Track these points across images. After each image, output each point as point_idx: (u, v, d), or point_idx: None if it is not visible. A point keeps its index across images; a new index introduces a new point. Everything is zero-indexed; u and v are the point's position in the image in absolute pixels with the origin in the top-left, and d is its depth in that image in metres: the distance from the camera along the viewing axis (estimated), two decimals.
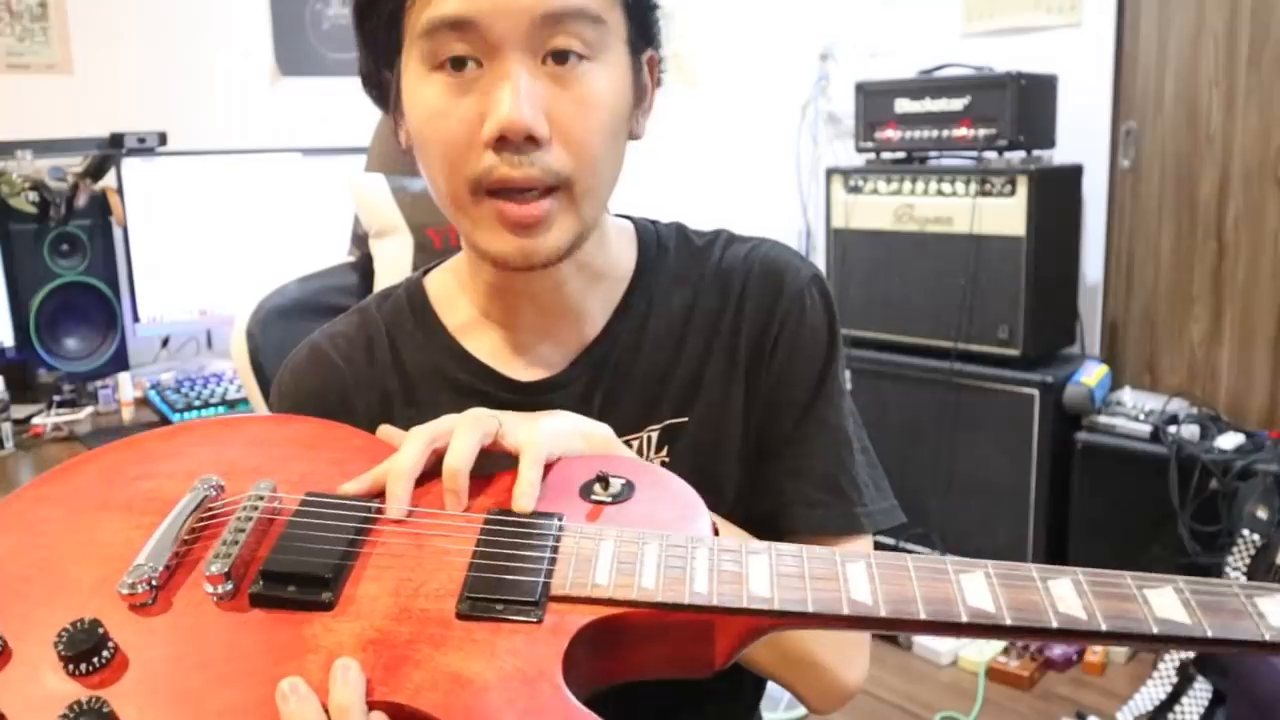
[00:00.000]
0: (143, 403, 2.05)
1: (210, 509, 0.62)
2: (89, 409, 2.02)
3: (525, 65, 0.67)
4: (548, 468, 0.65)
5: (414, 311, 0.84)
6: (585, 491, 0.63)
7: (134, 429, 1.95)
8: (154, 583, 0.56)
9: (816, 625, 0.55)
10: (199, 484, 0.63)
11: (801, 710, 2.24)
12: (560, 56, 0.68)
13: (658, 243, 0.85)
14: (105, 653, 0.52)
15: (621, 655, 0.57)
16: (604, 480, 0.63)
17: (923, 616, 0.53)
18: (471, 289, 0.82)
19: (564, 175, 0.69)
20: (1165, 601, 0.52)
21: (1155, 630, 0.51)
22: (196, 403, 1.97)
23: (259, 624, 0.55)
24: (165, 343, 2.31)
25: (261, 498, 0.62)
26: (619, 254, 0.83)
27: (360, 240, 1.68)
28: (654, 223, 0.88)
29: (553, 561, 0.57)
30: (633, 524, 0.60)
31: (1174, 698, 2.25)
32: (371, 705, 0.51)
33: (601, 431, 0.71)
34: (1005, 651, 2.53)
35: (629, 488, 0.64)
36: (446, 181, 0.71)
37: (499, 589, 0.55)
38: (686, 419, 0.81)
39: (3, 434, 1.84)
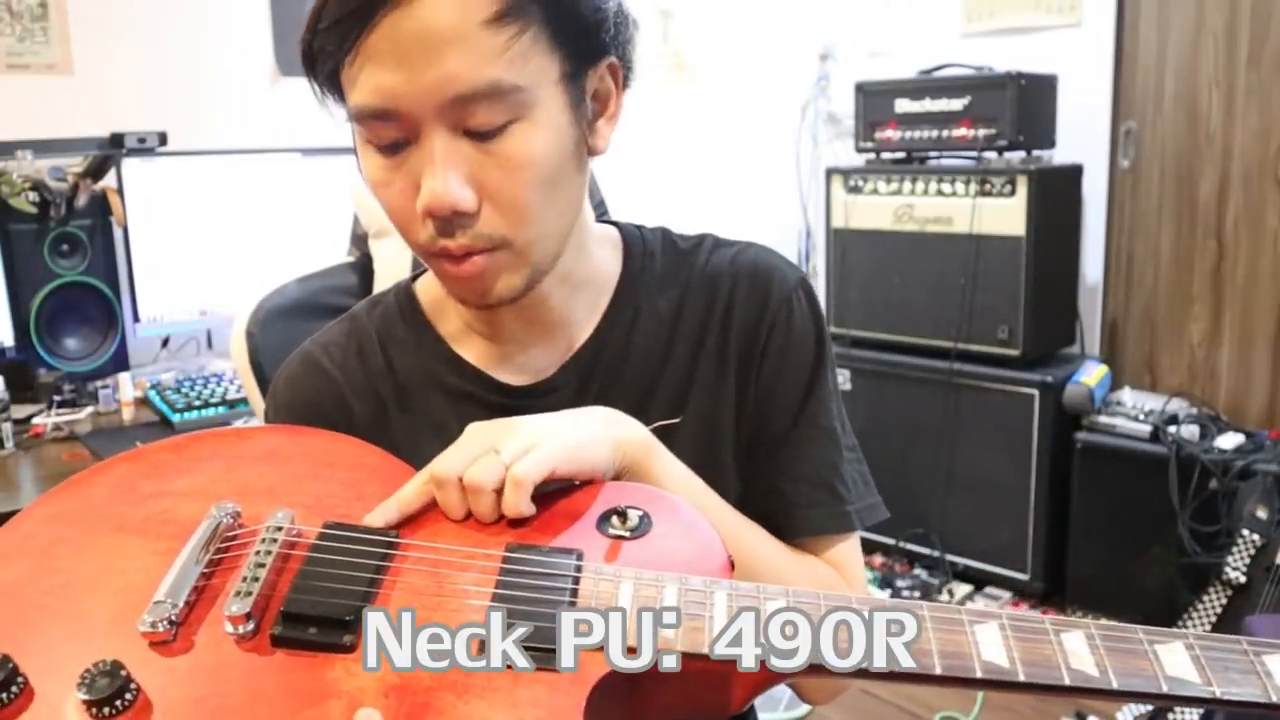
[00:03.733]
0: (143, 403, 2.05)
1: (227, 538, 0.62)
2: (89, 409, 2.02)
3: (445, 141, 0.66)
4: (574, 490, 0.64)
5: (405, 317, 0.84)
6: (602, 525, 0.62)
7: (134, 429, 1.96)
8: (175, 620, 0.56)
9: (831, 676, 0.55)
10: (215, 510, 0.63)
11: (800, 711, 2.24)
12: (480, 134, 0.67)
13: (643, 247, 0.85)
14: (128, 695, 0.51)
15: (639, 701, 0.57)
16: (621, 514, 0.62)
17: (938, 671, 0.54)
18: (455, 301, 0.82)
19: (499, 237, 0.69)
20: (1176, 659, 0.52)
21: (1165, 689, 0.51)
22: (197, 403, 1.97)
23: (280, 666, 0.55)
24: (165, 343, 2.31)
25: (280, 528, 0.61)
26: (602, 261, 0.83)
27: (360, 240, 1.68)
28: (639, 227, 0.88)
29: (572, 605, 0.56)
30: (651, 561, 0.60)
31: None
32: None
33: (637, 434, 0.70)
34: None
35: (646, 520, 0.63)
36: (402, 237, 0.73)
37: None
38: (678, 420, 0.81)
39: (3, 434, 1.84)
